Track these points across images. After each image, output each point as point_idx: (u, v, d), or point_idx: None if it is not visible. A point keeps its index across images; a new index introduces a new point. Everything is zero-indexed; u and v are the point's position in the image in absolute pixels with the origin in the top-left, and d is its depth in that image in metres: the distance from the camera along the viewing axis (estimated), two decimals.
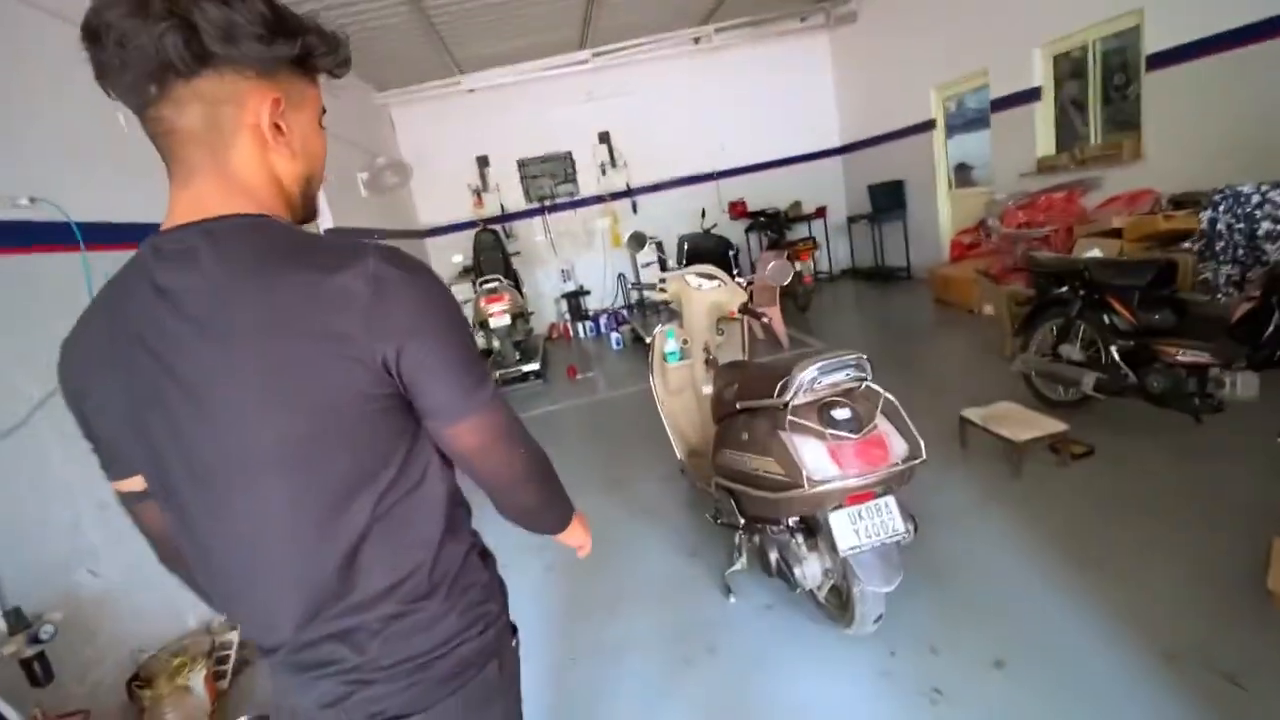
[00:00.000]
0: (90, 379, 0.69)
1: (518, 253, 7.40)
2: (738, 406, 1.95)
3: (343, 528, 0.68)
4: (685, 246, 2.66)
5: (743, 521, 2.08)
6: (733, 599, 2.31)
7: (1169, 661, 1.71)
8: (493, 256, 6.86)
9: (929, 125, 7.06)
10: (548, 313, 8.81)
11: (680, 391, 2.92)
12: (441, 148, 8.17)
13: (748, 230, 8.77)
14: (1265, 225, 2.22)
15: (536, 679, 2.11)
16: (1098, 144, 5.08)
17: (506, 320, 5.80)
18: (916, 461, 1.65)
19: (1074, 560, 2.18)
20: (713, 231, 8.01)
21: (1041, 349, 3.49)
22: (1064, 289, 3.25)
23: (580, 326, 8.47)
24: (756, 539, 2.04)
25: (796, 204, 8.70)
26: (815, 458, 1.68)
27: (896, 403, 1.74)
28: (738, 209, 8.72)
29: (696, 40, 8.12)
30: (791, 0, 7.89)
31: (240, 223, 0.65)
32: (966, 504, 2.68)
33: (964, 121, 7.17)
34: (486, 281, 6.01)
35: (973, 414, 3.05)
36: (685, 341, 2.82)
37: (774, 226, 8.09)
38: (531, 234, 8.57)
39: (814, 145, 9.04)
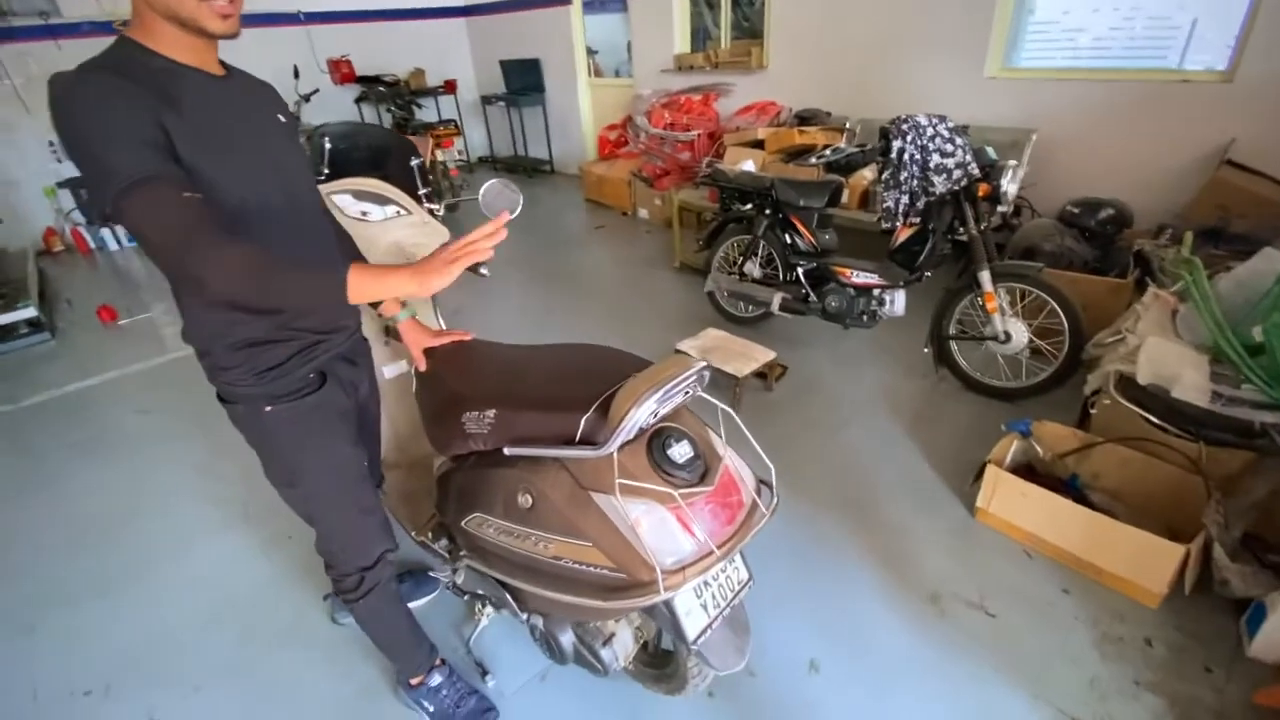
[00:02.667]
0: None
1: None
2: (506, 452, 1.17)
3: None
4: (327, 145, 1.53)
5: (525, 616, 1.37)
6: (490, 680, 1.63)
7: (934, 603, 1.79)
8: None
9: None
10: (35, 214, 5.58)
11: None
12: None
13: (359, 101, 6.97)
14: (935, 158, 2.37)
15: None
16: (728, 48, 5.28)
17: None
18: (775, 499, 1.20)
19: (821, 501, 2.18)
20: (311, 97, 6.07)
21: (724, 265, 3.50)
22: (748, 206, 3.22)
23: (108, 232, 5.66)
24: (539, 622, 1.38)
25: (420, 73, 7.21)
26: (663, 534, 1.07)
27: (735, 415, 1.23)
28: (343, 71, 6.77)
29: None
30: None
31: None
32: None
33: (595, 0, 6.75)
34: None
35: (689, 347, 2.85)
36: None
37: (398, 100, 6.55)
38: None
39: (432, 0, 7.47)
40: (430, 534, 1.61)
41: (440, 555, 1.56)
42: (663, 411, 1.10)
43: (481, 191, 1.66)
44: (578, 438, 1.09)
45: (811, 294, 3.00)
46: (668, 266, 4.43)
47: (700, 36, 5.59)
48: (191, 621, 1.89)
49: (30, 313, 3.67)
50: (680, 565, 1.07)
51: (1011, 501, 1.94)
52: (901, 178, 2.51)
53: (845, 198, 3.83)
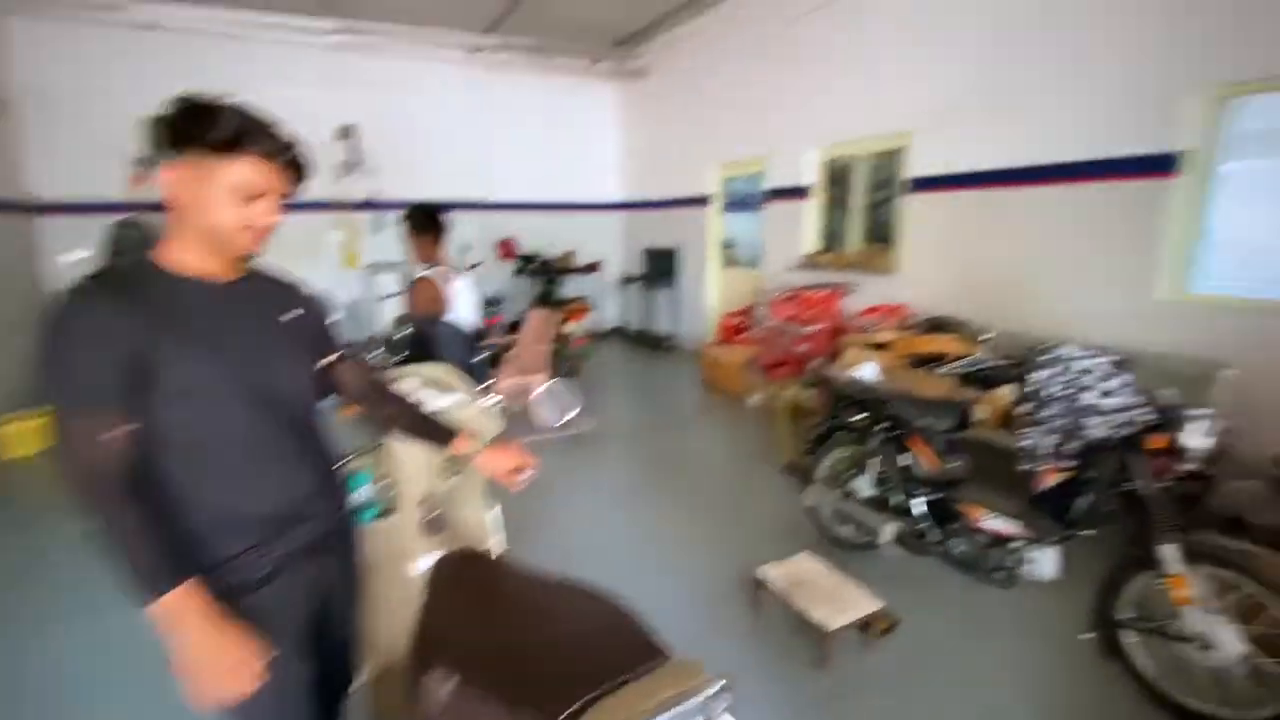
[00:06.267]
0: None
1: None
2: None
3: None
4: (405, 334, 1.62)
5: None
6: None
7: None
8: None
9: (707, 200, 6.99)
10: None
11: (375, 567, 1.75)
12: (86, 92, 5.68)
13: (516, 273, 7.83)
14: (1087, 397, 1.97)
15: None
16: (858, 250, 5.30)
17: None
18: None
19: None
20: (476, 268, 6.91)
21: (831, 477, 3.13)
22: (861, 416, 2.90)
23: None
24: None
25: (570, 254, 8.05)
26: None
27: None
28: (507, 249, 7.74)
29: (477, 49, 7.07)
30: (584, 37, 7.36)
31: None
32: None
33: (736, 200, 7.27)
34: None
35: (772, 576, 2.44)
36: (390, 487, 1.68)
37: (546, 276, 7.28)
38: None
39: (595, 196, 8.56)
40: None
41: None
42: None
43: (536, 393, 1.58)
44: None
45: (932, 531, 2.52)
46: (773, 464, 4.10)
47: (831, 237, 5.70)
48: None
49: None
50: None
51: None
52: (1044, 414, 2.11)
53: (984, 414, 3.39)
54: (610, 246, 8.71)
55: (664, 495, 3.71)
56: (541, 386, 1.57)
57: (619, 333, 8.69)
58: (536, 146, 8.01)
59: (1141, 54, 3.29)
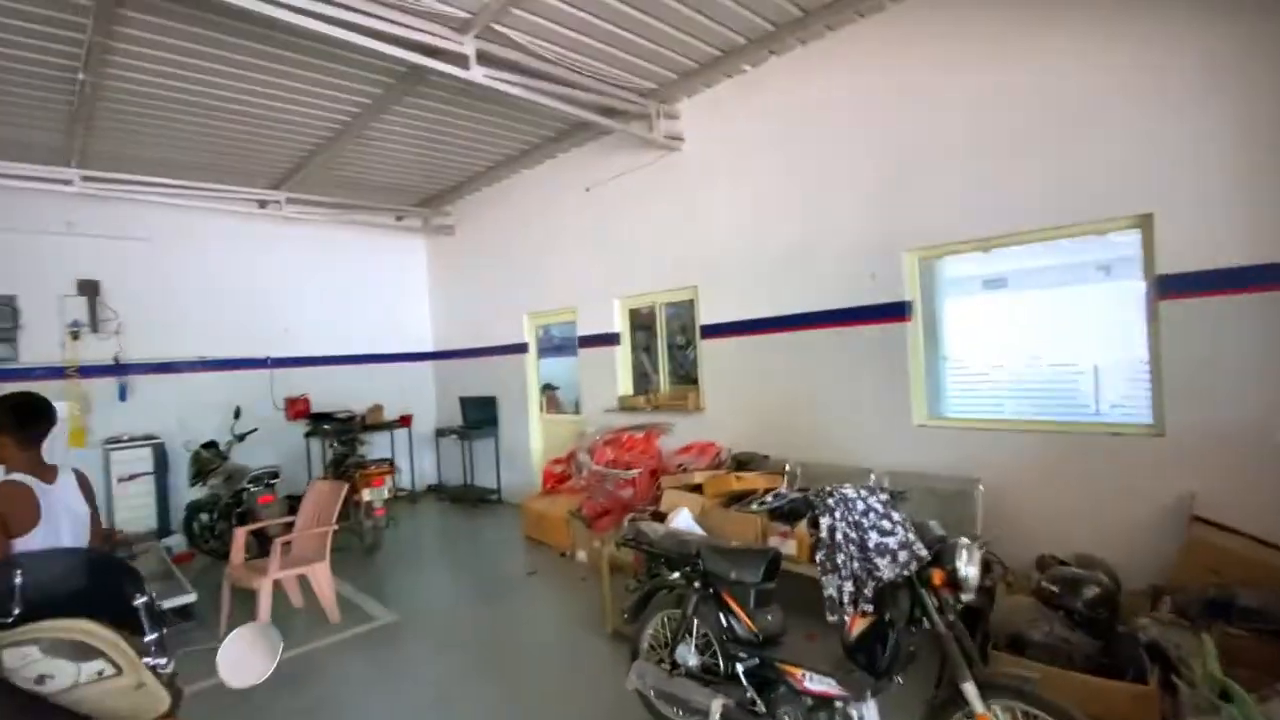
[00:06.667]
0: None
1: None
2: None
3: None
4: (18, 580, 1.14)
5: None
6: None
7: None
8: None
9: (523, 348, 6.95)
10: None
11: None
12: None
13: (308, 435, 6.92)
14: (874, 536, 2.01)
15: None
16: (667, 392, 5.47)
17: None
18: None
19: None
20: (247, 437, 5.99)
21: (656, 643, 2.86)
22: (677, 574, 2.73)
23: None
24: None
25: (377, 408, 7.38)
26: None
27: None
28: (298, 408, 6.89)
29: (262, 205, 6.66)
30: (385, 196, 7.32)
31: None
32: None
33: (552, 346, 7.32)
34: None
35: None
36: None
37: (344, 435, 6.51)
38: None
39: (403, 346, 8.13)
40: None
41: None
42: None
43: (221, 650, 1.17)
44: None
45: (759, 701, 2.32)
46: (601, 630, 3.72)
47: (643, 379, 5.86)
48: None
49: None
50: None
51: None
52: (839, 560, 2.11)
53: (794, 549, 3.42)
54: (423, 397, 8.19)
55: (481, 696, 3.12)
56: (229, 638, 1.17)
57: (436, 490, 7.94)
58: (341, 297, 7.55)
59: (872, 224, 3.96)
